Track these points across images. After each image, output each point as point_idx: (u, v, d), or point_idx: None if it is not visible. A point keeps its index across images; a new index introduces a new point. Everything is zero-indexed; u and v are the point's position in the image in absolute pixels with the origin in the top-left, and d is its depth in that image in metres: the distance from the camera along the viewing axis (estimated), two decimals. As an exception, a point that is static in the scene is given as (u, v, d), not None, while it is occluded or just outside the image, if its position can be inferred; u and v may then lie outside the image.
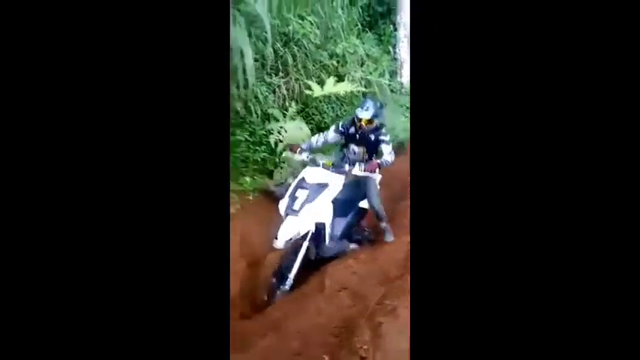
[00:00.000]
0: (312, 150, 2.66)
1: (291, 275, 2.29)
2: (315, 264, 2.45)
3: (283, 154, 2.66)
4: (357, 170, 2.47)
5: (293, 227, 2.26)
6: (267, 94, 3.13)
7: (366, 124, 2.62)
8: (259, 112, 3.05)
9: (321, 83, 3.41)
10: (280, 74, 3.34)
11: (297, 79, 3.43)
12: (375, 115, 2.63)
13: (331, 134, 2.75)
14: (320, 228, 2.43)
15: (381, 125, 2.74)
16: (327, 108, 3.73)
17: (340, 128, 2.76)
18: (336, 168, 2.53)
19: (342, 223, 2.62)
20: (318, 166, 2.53)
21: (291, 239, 2.23)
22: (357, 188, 2.69)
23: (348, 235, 2.67)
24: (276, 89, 3.30)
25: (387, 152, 2.63)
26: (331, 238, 2.53)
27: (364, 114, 2.59)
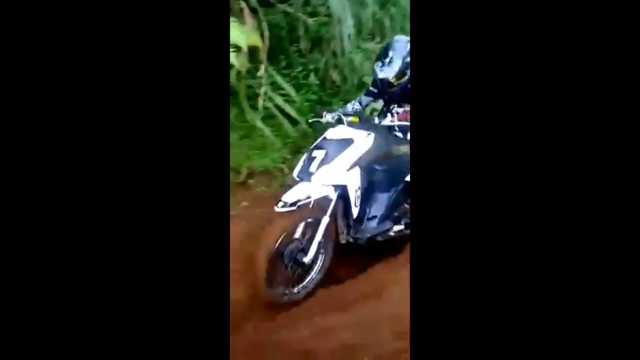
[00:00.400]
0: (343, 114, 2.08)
1: (307, 259, 1.79)
2: (348, 249, 1.99)
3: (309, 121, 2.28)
4: (388, 121, 1.95)
5: (302, 191, 1.77)
6: (363, 61, 3.05)
7: (396, 82, 1.96)
8: (355, 80, 3.00)
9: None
10: (376, 39, 3.21)
11: (394, 44, 3.27)
12: (405, 67, 1.92)
13: (364, 98, 2.23)
14: (343, 195, 1.87)
15: None
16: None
17: (371, 88, 2.19)
18: (365, 123, 1.99)
19: (382, 201, 2.03)
20: (343, 124, 2.00)
21: (297, 202, 1.72)
22: (404, 160, 2.07)
23: (389, 217, 2.09)
24: (372, 56, 3.19)
25: None
26: (366, 215, 2.00)
27: (386, 72, 1.93)
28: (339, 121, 2.00)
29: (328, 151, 1.85)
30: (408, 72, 1.95)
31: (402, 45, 1.98)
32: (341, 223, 1.95)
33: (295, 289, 1.86)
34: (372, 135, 1.94)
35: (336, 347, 1.46)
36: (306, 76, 2.82)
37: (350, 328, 1.56)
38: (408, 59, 1.94)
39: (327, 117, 2.07)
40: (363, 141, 1.91)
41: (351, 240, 1.99)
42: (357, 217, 1.95)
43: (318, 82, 2.86)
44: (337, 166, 1.83)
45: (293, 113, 2.69)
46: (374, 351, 1.41)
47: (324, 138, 1.95)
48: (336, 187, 1.85)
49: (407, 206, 2.19)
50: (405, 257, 2.13)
